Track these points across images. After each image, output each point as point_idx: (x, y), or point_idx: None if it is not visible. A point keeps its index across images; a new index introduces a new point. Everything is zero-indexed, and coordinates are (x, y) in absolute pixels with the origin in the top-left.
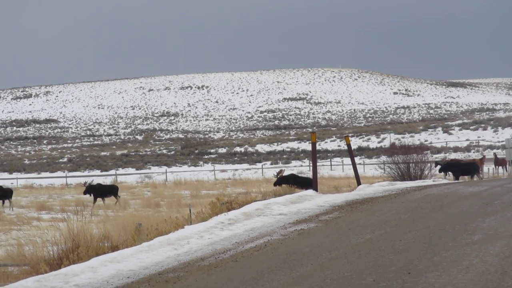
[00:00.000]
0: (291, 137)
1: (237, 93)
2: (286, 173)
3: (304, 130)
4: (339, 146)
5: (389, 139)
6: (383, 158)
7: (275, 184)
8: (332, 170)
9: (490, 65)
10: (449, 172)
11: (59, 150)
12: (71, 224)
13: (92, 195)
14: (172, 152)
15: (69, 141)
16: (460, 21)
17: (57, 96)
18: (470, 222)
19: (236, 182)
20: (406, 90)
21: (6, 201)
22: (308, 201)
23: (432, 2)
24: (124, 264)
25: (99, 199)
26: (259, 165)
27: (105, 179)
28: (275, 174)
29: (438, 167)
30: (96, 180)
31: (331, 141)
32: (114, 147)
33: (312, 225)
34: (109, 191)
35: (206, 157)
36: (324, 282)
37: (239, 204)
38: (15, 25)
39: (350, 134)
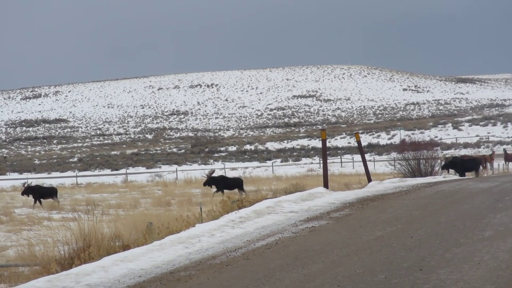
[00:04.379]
0: (301, 135)
1: (247, 91)
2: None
3: (314, 127)
4: (349, 143)
5: (399, 135)
6: (394, 154)
7: (204, 184)
8: (342, 167)
9: (499, 61)
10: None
11: (69, 150)
12: (82, 224)
13: (30, 196)
14: (182, 151)
15: (79, 141)
16: (469, 17)
17: (66, 96)
18: (481, 218)
19: (247, 180)
20: (415, 86)
21: None
22: (319, 199)
23: None
24: (135, 263)
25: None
26: (269, 163)
27: (116, 178)
28: (205, 174)
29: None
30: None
31: (341, 138)
32: (124, 146)
33: (323, 222)
34: (48, 193)
35: (216, 155)
36: (336, 280)
37: (250, 202)
38: (24, 25)
39: (360, 131)
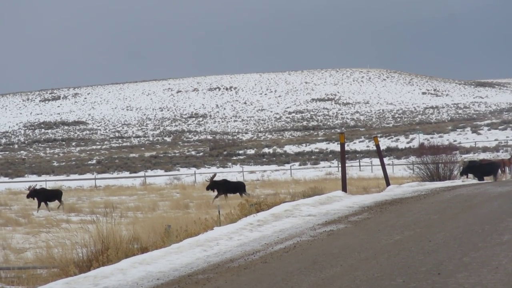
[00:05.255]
0: (319, 138)
1: (265, 94)
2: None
3: (333, 130)
4: (367, 146)
5: (418, 139)
6: (412, 158)
7: (207, 188)
8: (361, 170)
9: None
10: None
11: (87, 152)
12: (101, 226)
13: (35, 199)
14: (201, 154)
15: (97, 143)
16: (488, 20)
17: (85, 98)
18: (499, 222)
19: (265, 183)
20: (434, 90)
21: None
22: (337, 202)
23: None
24: (153, 265)
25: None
26: (287, 166)
27: (134, 181)
28: (207, 179)
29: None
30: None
31: (360, 141)
32: (142, 148)
33: (341, 226)
34: (53, 195)
35: (234, 158)
36: (354, 283)
37: (268, 205)
38: (43, 27)
39: (379, 135)
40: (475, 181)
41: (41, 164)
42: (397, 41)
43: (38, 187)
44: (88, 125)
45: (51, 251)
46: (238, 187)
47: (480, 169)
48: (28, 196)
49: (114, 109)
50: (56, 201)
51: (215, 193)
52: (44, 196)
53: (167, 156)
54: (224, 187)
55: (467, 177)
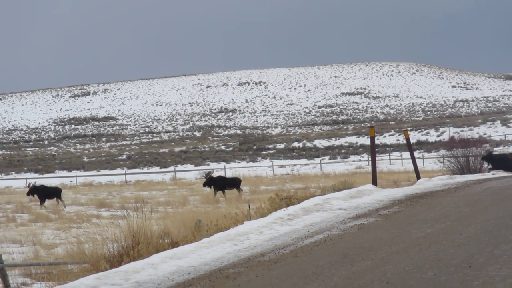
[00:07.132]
0: (349, 132)
1: (295, 89)
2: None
3: (362, 124)
4: (397, 140)
5: (448, 132)
6: (442, 152)
7: (204, 184)
8: (391, 164)
9: None
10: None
11: (118, 148)
12: (131, 221)
13: (35, 196)
14: (231, 148)
15: (127, 138)
16: None
17: (115, 94)
18: None
19: (295, 178)
20: (464, 83)
21: None
22: (368, 196)
23: None
24: (184, 260)
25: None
26: (317, 160)
27: (164, 176)
28: (204, 175)
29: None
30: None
31: (390, 135)
32: (172, 143)
33: (372, 219)
34: (52, 193)
35: (264, 152)
36: (385, 277)
37: (298, 199)
38: (72, 23)
39: (409, 128)
40: (505, 174)
41: (71, 159)
42: (426, 35)
43: (37, 184)
44: (118, 121)
45: (81, 246)
46: (234, 183)
47: (499, 161)
48: (28, 194)
49: (144, 105)
50: (56, 198)
51: (212, 189)
52: (43, 193)
53: (197, 151)
54: (220, 184)
55: (487, 164)
